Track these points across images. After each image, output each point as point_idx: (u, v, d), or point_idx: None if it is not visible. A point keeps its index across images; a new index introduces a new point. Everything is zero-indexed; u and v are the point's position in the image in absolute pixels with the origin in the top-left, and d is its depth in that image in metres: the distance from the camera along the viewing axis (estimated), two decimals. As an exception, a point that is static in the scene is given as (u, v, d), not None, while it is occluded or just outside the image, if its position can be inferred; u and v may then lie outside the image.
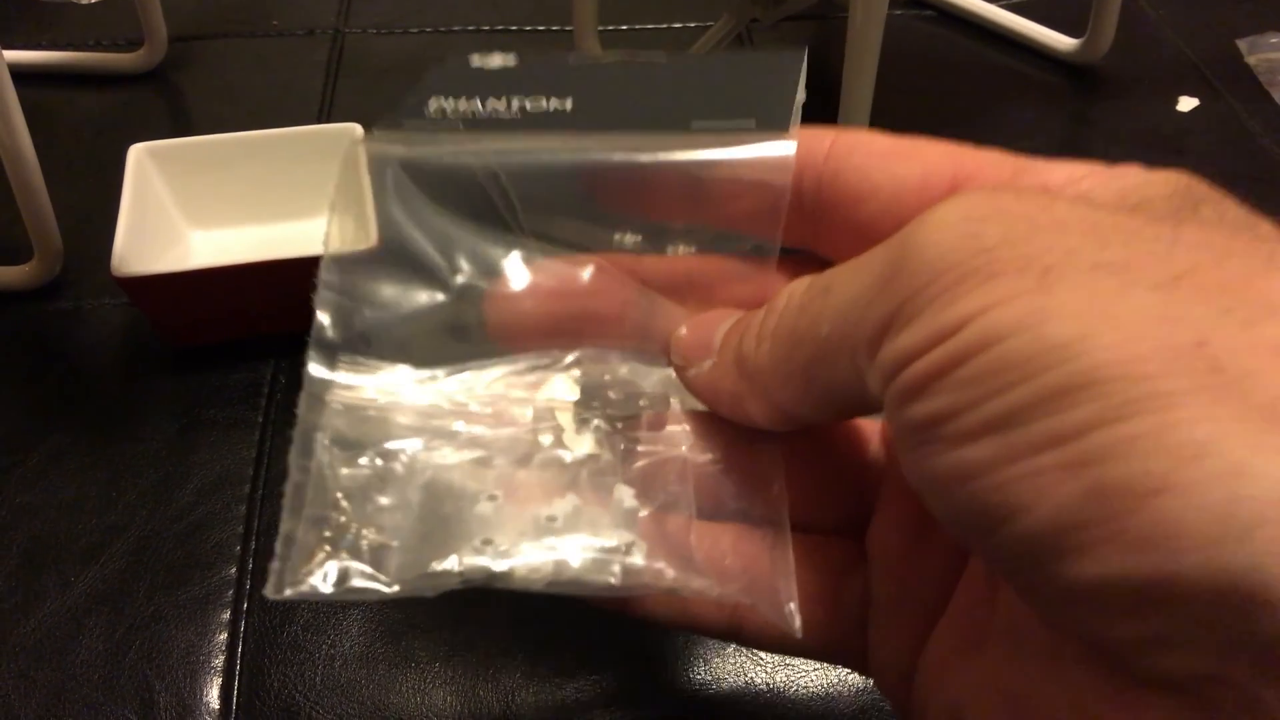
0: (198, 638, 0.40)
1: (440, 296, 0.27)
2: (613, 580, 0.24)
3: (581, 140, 0.26)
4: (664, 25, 0.72)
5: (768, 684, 0.39)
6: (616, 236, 0.27)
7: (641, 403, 0.27)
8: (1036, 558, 0.17)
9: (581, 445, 0.27)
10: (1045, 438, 0.16)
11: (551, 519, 0.25)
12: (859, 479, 0.28)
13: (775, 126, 0.25)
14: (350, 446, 0.25)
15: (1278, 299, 0.16)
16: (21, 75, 0.49)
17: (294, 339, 0.50)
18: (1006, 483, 0.17)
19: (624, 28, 0.71)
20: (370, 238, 0.47)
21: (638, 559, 0.24)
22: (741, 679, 0.39)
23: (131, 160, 0.51)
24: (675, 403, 0.27)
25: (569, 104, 0.27)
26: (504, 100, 0.27)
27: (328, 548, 0.24)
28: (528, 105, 0.27)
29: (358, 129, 0.52)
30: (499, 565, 0.24)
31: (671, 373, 0.27)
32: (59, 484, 0.45)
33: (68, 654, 0.40)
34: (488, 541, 0.24)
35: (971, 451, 0.17)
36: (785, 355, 0.23)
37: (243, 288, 0.48)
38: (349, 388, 0.26)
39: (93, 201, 0.53)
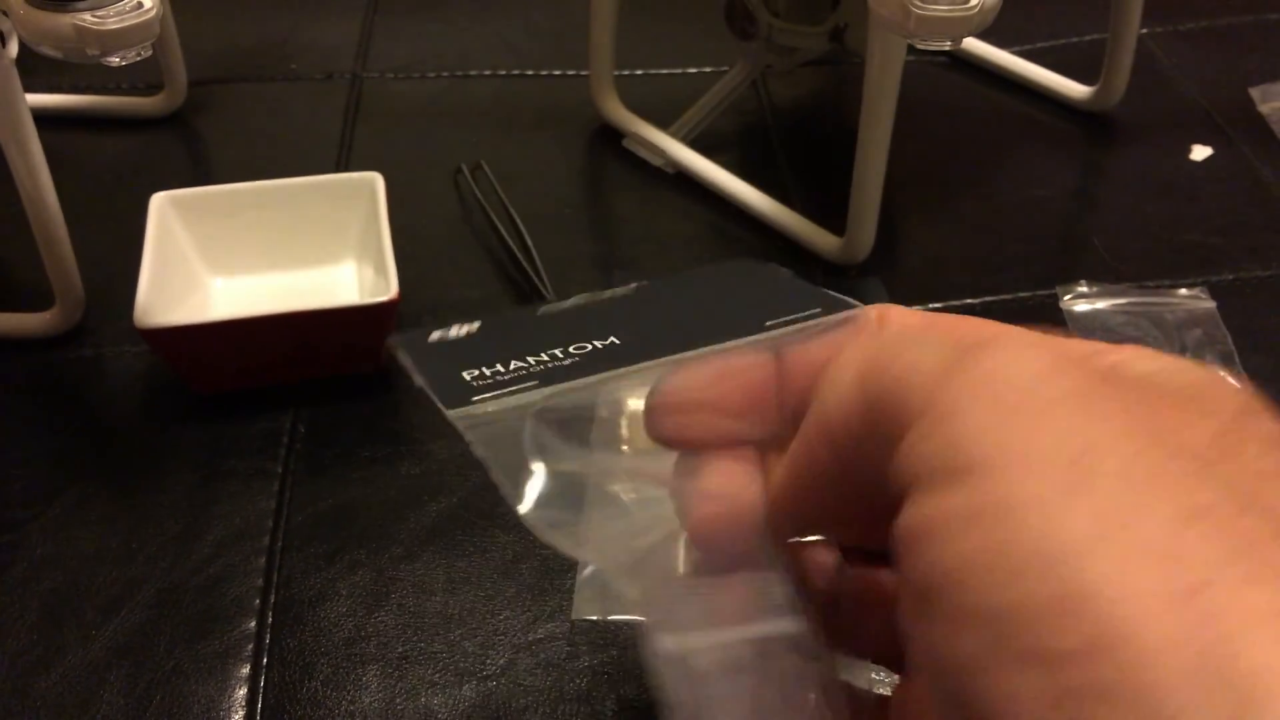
0: (217, 693, 0.40)
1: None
2: None
3: (672, 359, 0.26)
4: (679, 70, 0.73)
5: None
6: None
7: None
8: None
9: None
10: (1032, 651, 0.16)
11: None
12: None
13: (839, 304, 0.26)
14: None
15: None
16: (42, 119, 0.49)
17: (314, 386, 0.51)
18: (990, 687, 0.17)
19: (639, 72, 0.72)
20: (391, 288, 0.47)
21: None
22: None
23: (154, 209, 0.52)
24: None
25: (615, 339, 0.27)
26: (535, 356, 0.26)
27: None
28: (572, 350, 0.26)
29: (378, 179, 0.53)
30: None
31: None
32: (80, 535, 0.45)
33: (89, 708, 0.40)
34: None
35: (962, 642, 0.18)
36: None
37: (265, 338, 0.48)
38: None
39: (113, 246, 0.54)
